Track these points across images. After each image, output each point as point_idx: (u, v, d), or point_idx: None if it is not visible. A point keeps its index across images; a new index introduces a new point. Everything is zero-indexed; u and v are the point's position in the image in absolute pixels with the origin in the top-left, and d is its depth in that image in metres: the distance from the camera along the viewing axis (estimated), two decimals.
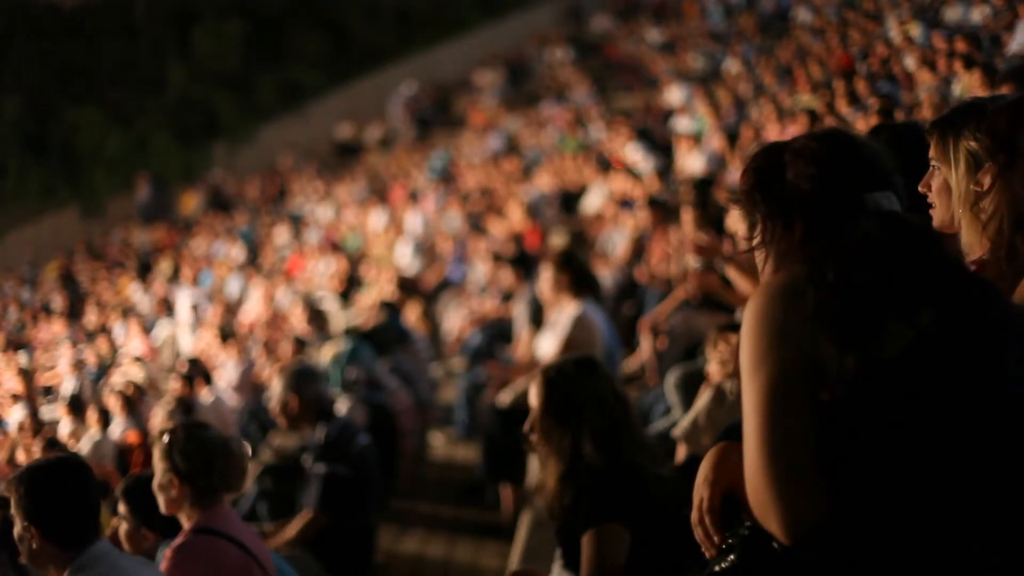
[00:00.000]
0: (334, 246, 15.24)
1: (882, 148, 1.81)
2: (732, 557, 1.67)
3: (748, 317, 1.62)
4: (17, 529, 2.77)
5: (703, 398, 3.82)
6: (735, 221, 4.66)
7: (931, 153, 2.19)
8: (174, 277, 15.59)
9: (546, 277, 6.03)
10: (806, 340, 1.57)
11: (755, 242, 1.80)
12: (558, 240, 10.79)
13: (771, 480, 1.54)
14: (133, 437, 7.13)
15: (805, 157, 1.76)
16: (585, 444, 2.88)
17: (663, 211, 8.29)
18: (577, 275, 5.87)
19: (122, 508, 3.42)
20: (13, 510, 2.76)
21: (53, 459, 2.95)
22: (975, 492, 1.54)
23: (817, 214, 1.72)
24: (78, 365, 9.91)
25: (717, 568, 1.68)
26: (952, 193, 2.11)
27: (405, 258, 13.78)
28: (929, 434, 1.54)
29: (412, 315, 9.65)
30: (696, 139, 10.97)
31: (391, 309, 9.07)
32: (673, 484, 2.82)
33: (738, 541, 1.69)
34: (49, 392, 9.56)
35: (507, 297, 9.37)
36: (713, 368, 3.89)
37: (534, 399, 3.02)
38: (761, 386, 1.57)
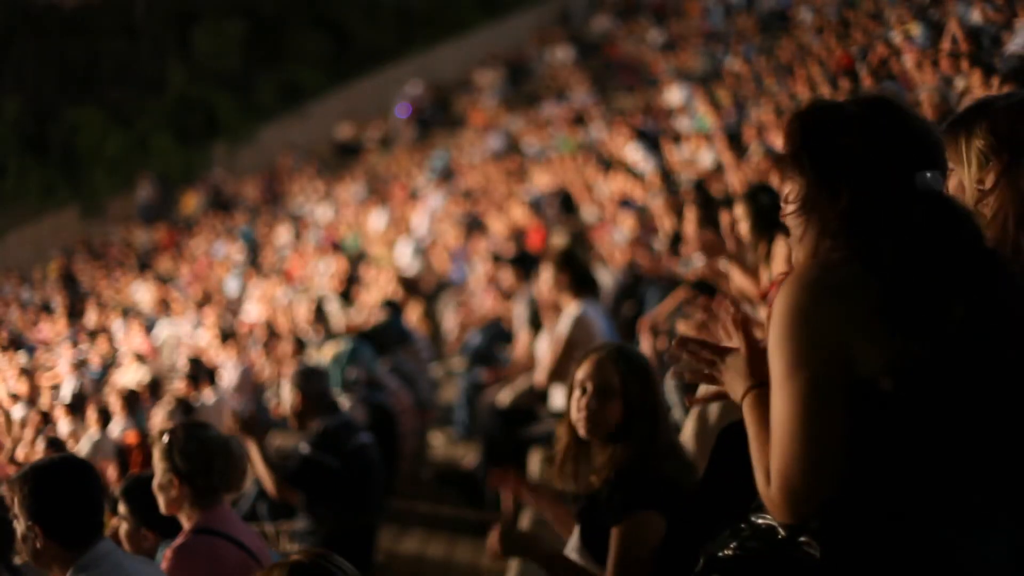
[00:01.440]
0: (334, 246, 15.24)
1: (931, 123, 1.75)
2: (734, 544, 1.67)
3: (783, 311, 1.59)
4: (20, 528, 2.75)
5: (686, 430, 3.86)
6: (739, 219, 4.66)
7: (946, 154, 2.18)
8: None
9: (546, 277, 6.03)
10: (844, 332, 1.56)
11: (795, 207, 1.72)
12: (559, 240, 10.77)
13: (801, 471, 1.56)
14: (132, 437, 7.12)
15: (860, 123, 1.68)
16: (634, 422, 2.85)
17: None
18: (577, 275, 5.88)
19: (122, 508, 3.42)
20: (16, 509, 2.75)
21: (57, 459, 2.94)
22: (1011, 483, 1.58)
23: (867, 186, 1.65)
24: (78, 365, 9.90)
25: (720, 554, 1.68)
26: (966, 193, 2.10)
27: (405, 258, 13.77)
28: (965, 424, 1.57)
29: (413, 315, 9.64)
30: (707, 137, 10.96)
31: (393, 309, 9.06)
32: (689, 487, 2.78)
33: (746, 529, 1.69)
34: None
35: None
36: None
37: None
38: (800, 388, 1.56)
